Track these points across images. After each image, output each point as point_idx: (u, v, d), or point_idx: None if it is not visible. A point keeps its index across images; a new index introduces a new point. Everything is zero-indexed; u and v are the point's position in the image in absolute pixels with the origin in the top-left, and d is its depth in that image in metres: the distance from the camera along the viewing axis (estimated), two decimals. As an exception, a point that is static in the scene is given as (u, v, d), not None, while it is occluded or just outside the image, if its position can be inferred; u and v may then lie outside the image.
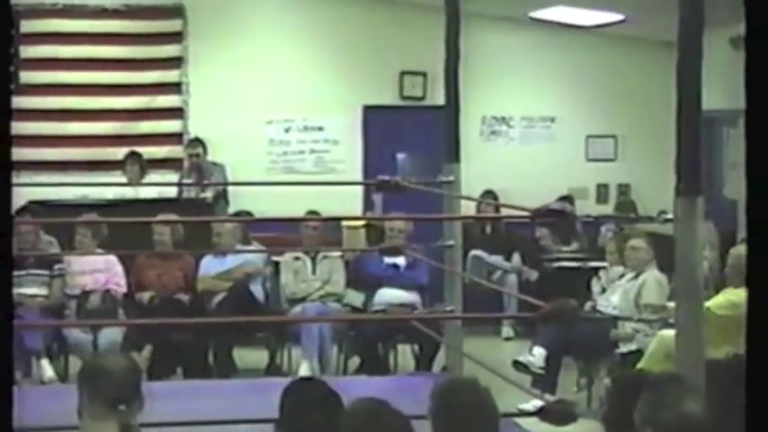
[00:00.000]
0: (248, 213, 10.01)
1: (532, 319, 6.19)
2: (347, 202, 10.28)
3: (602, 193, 11.78)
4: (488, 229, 10.51)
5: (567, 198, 10.41)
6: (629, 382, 3.45)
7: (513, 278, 10.14)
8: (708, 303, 6.15)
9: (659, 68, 9.82)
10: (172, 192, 10.23)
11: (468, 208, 8.91)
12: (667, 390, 3.00)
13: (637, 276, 7.60)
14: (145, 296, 8.32)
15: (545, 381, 7.35)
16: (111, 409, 3.26)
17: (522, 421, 5.20)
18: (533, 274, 9.96)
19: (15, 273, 6.16)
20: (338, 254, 8.83)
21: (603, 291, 8.00)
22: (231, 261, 8.53)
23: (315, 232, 8.63)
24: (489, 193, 10.52)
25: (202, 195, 10.23)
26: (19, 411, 1.65)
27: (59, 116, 10.75)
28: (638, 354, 7.04)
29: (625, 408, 3.09)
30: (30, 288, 7.95)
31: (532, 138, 11.69)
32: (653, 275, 7.50)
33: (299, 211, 8.56)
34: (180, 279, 8.44)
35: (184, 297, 8.34)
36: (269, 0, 11.33)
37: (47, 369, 7.65)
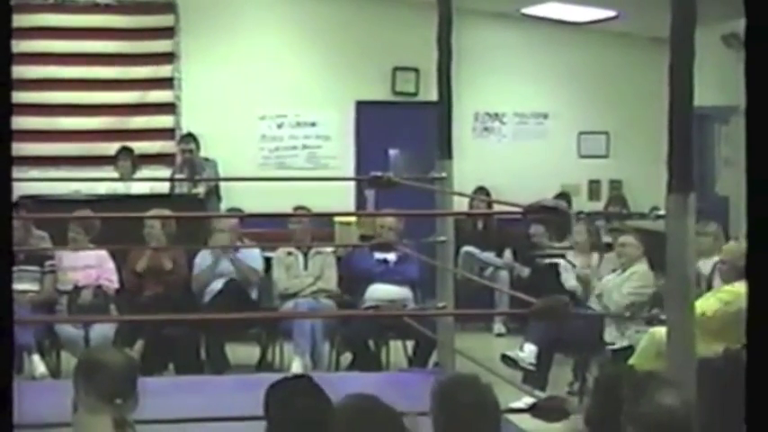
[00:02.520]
0: (239, 210, 10.01)
1: (524, 315, 6.19)
2: (339, 197, 10.28)
3: (594, 189, 11.79)
4: (480, 226, 10.52)
5: (562, 195, 10.42)
6: (612, 378, 3.45)
7: (504, 274, 10.14)
8: (702, 308, 6.16)
9: (651, 65, 9.82)
10: (164, 187, 10.22)
11: (460, 204, 8.91)
12: (646, 386, 3.01)
13: (625, 272, 7.65)
14: (141, 294, 8.30)
15: (536, 377, 7.36)
16: (107, 402, 3.26)
17: (514, 418, 5.20)
18: (525, 271, 9.96)
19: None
20: (330, 249, 8.83)
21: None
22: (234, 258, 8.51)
23: (304, 227, 8.62)
24: (481, 190, 10.52)
25: (194, 191, 10.22)
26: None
27: (51, 111, 10.72)
28: (630, 350, 7.05)
29: (607, 404, 3.10)
30: (21, 284, 7.91)
31: (525, 134, 11.69)
32: (640, 269, 7.54)
33: (291, 207, 8.56)
34: (172, 274, 8.42)
35: (176, 292, 8.32)
36: (261, -4, 11.33)
37: (38, 365, 7.64)
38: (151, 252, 8.41)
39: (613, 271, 7.87)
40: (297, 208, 8.60)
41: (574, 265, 8.50)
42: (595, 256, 8.55)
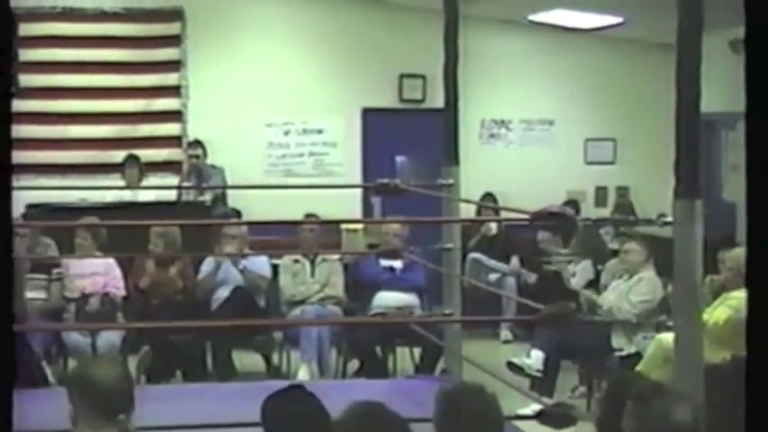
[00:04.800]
0: (237, 211, 10.02)
1: (531, 322, 6.18)
2: (346, 205, 10.28)
3: (600, 196, 11.79)
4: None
5: (571, 202, 10.41)
6: (621, 384, 3.44)
7: (511, 281, 10.14)
8: (709, 316, 6.16)
9: (658, 71, 9.81)
10: (171, 195, 10.22)
11: (467, 211, 8.90)
12: (656, 401, 2.99)
13: (631, 278, 7.64)
14: (148, 302, 8.29)
15: (543, 384, 7.35)
16: (111, 418, 3.24)
17: (520, 424, 5.19)
18: (532, 277, 9.96)
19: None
20: (337, 257, 8.83)
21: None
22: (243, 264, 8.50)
23: (312, 235, 8.62)
24: (488, 196, 10.52)
25: (201, 198, 10.23)
26: (18, 414, 1.65)
27: (58, 119, 10.74)
28: (637, 357, 7.04)
29: (617, 410, 3.09)
30: (28, 291, 7.93)
31: (531, 141, 11.70)
32: (647, 276, 7.53)
33: (297, 214, 8.55)
34: (178, 281, 8.41)
35: (183, 300, 8.32)
36: (268, 3, 11.34)
37: (46, 372, 7.64)
38: (157, 267, 8.36)
39: (620, 277, 7.87)
40: (307, 215, 8.60)
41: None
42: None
